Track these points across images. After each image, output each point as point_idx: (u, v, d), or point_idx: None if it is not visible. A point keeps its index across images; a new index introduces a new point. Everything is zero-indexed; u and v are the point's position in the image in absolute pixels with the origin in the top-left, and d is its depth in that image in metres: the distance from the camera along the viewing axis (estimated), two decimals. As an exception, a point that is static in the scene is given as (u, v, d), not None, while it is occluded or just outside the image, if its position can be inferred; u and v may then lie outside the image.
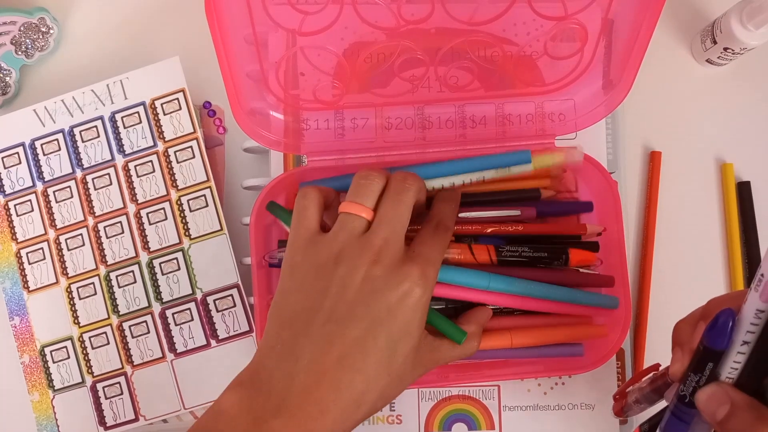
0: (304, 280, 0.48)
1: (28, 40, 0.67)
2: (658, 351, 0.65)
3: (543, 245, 0.57)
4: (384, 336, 0.45)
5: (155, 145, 0.66)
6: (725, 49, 0.64)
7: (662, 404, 0.49)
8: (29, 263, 0.65)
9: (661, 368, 0.51)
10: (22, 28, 0.67)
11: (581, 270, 0.59)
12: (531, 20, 0.54)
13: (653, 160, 0.67)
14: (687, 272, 0.66)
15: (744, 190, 0.67)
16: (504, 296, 0.56)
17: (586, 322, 0.60)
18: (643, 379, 0.52)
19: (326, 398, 0.44)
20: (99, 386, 0.64)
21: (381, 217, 0.49)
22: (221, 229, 0.65)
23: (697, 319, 0.45)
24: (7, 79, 0.67)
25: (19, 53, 0.67)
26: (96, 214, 0.65)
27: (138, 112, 0.66)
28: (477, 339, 0.54)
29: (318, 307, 0.46)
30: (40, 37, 0.67)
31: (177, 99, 0.66)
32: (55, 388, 0.65)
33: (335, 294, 0.46)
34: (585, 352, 0.60)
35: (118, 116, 0.66)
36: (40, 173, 0.66)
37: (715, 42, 0.65)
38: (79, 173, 0.66)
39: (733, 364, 0.40)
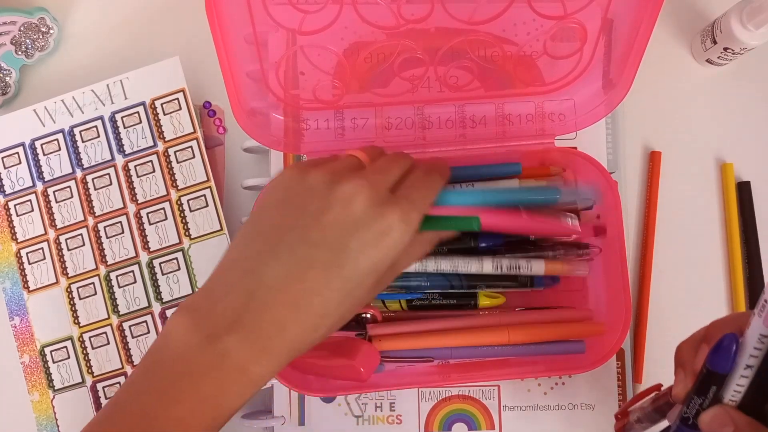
0: (285, 197, 0.46)
1: (28, 40, 0.67)
2: (658, 351, 0.65)
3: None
4: (351, 267, 0.44)
5: (155, 145, 0.66)
6: (725, 49, 0.64)
7: (664, 424, 0.49)
8: (29, 263, 0.65)
9: (663, 388, 0.52)
10: (22, 28, 0.67)
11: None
12: (531, 20, 0.54)
13: (653, 160, 0.67)
14: (687, 272, 0.66)
15: (744, 190, 0.67)
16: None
17: (585, 319, 0.60)
18: (645, 398, 0.53)
19: (285, 317, 0.43)
20: (99, 386, 0.64)
21: (377, 163, 0.48)
22: (221, 229, 0.65)
23: (698, 340, 0.45)
24: (7, 79, 0.67)
25: (19, 53, 0.67)
26: (96, 214, 0.65)
27: (138, 112, 0.66)
28: (431, 245, 0.51)
29: (292, 225, 0.44)
30: (40, 37, 0.67)
31: (177, 99, 0.66)
32: (55, 388, 0.65)
33: (312, 215, 0.44)
34: (585, 351, 0.60)
35: (118, 116, 0.66)
36: (40, 173, 0.66)
37: (715, 42, 0.65)
38: (79, 173, 0.66)
39: (736, 387, 0.41)
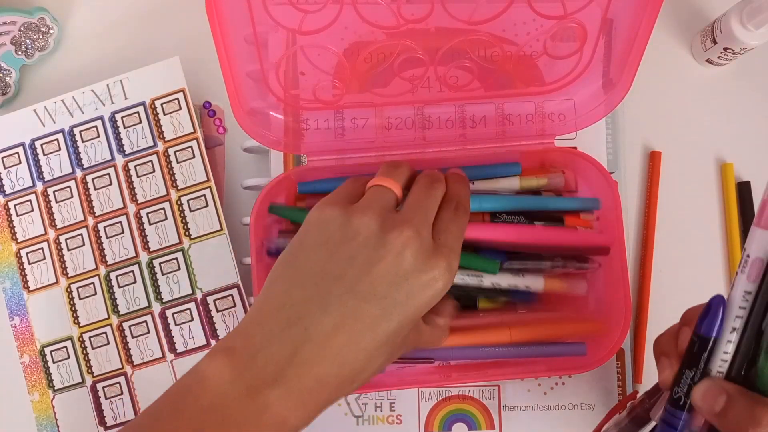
0: (329, 240, 0.45)
1: (28, 40, 0.67)
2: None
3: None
4: (397, 321, 0.43)
5: (155, 145, 0.66)
6: (725, 49, 0.64)
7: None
8: (29, 263, 0.65)
9: (638, 395, 0.52)
10: (22, 28, 0.67)
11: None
12: (531, 20, 0.54)
13: (653, 160, 0.67)
14: (687, 272, 0.66)
15: (744, 190, 0.67)
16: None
17: (587, 319, 0.60)
18: (618, 413, 0.54)
19: (328, 373, 0.42)
20: (99, 386, 0.64)
21: (414, 199, 0.48)
22: (221, 229, 0.65)
23: (677, 330, 0.46)
24: (7, 79, 0.67)
25: (19, 53, 0.67)
26: (96, 214, 0.65)
27: (138, 112, 0.66)
28: (446, 330, 0.54)
29: (340, 275, 0.43)
30: (40, 37, 0.67)
31: (177, 99, 0.66)
32: (55, 388, 0.65)
33: (361, 265, 0.43)
34: (587, 353, 0.60)
35: (118, 116, 0.66)
36: (40, 173, 0.66)
37: (715, 42, 0.65)
38: (79, 173, 0.66)
39: (723, 355, 0.41)
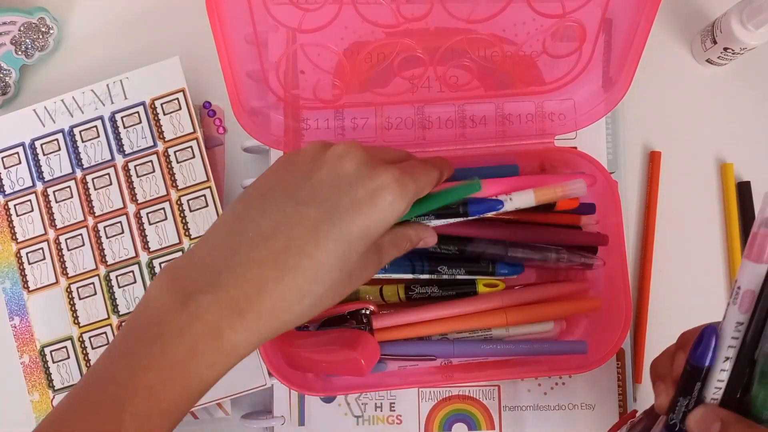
0: (279, 165, 0.45)
1: (28, 40, 0.67)
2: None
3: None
4: (342, 227, 0.41)
5: (155, 145, 0.66)
6: (725, 49, 0.64)
7: None
8: (29, 263, 0.65)
9: (638, 414, 0.53)
10: (22, 28, 0.67)
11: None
12: (530, 19, 0.54)
13: (653, 160, 0.67)
14: (687, 272, 0.66)
15: (744, 190, 0.67)
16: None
17: (580, 296, 0.60)
18: (620, 429, 0.54)
19: (267, 276, 0.40)
20: (99, 386, 0.64)
21: (378, 148, 0.47)
22: (221, 229, 0.64)
23: (672, 353, 0.46)
24: (7, 79, 0.67)
25: (19, 53, 0.67)
26: (96, 214, 0.65)
27: (138, 112, 0.66)
28: (414, 240, 0.51)
29: (283, 187, 0.43)
30: (40, 37, 0.67)
31: (177, 99, 0.66)
32: (55, 388, 0.65)
33: (301, 176, 0.43)
34: (588, 351, 0.60)
35: (118, 116, 0.66)
36: (40, 173, 0.66)
37: (715, 42, 0.65)
38: (79, 173, 0.66)
39: (717, 383, 0.42)
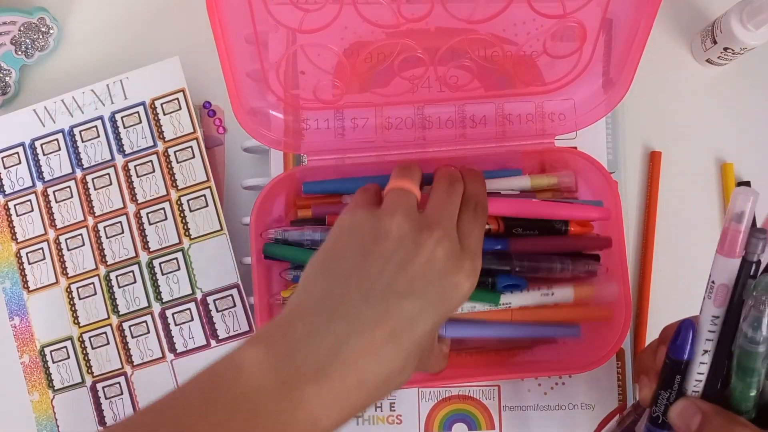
0: (362, 241, 0.45)
1: (28, 40, 0.67)
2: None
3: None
4: (431, 320, 0.43)
5: (155, 145, 0.66)
6: (725, 49, 0.64)
7: None
8: (29, 263, 0.65)
9: (627, 407, 0.54)
10: (22, 28, 0.67)
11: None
12: (531, 20, 0.54)
13: (653, 160, 0.67)
14: (687, 272, 0.66)
15: (744, 189, 0.67)
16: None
17: (590, 304, 0.60)
18: (610, 423, 0.55)
19: (369, 370, 0.41)
20: (99, 386, 0.64)
21: (438, 201, 0.48)
22: (221, 229, 0.65)
23: (655, 347, 0.47)
24: (7, 79, 0.67)
25: (19, 53, 0.67)
26: (96, 214, 0.65)
27: (138, 112, 0.66)
28: (446, 358, 0.55)
29: (378, 273, 0.43)
30: (40, 37, 0.67)
31: (177, 99, 0.66)
32: (55, 388, 0.65)
33: (398, 264, 0.43)
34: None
35: (118, 116, 0.66)
36: (40, 173, 0.66)
37: (715, 42, 0.65)
38: (78, 173, 0.66)
39: (697, 376, 0.43)
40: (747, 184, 0.67)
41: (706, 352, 0.42)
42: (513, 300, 0.57)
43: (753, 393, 0.41)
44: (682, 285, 0.66)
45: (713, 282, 0.41)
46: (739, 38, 0.62)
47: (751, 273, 0.41)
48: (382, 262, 0.44)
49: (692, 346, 0.42)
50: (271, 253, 0.59)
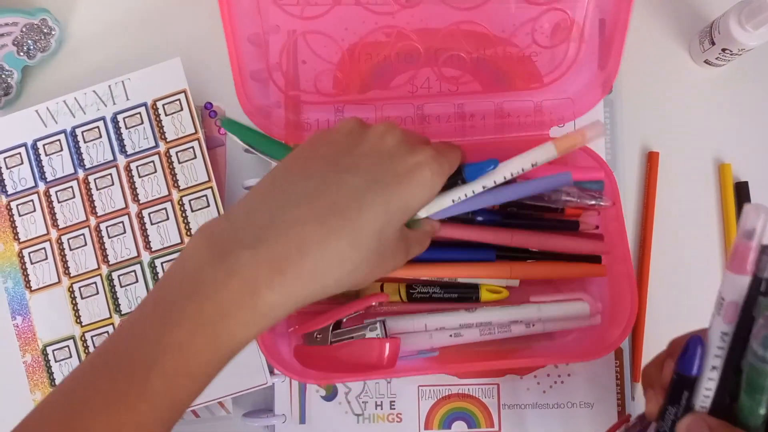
0: (315, 140, 0.45)
1: (29, 41, 0.67)
2: (656, 350, 0.64)
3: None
4: (383, 198, 0.41)
5: (157, 145, 0.66)
6: (723, 49, 0.64)
7: None
8: (31, 263, 0.66)
9: (632, 418, 0.53)
10: (23, 29, 0.67)
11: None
12: (520, 11, 0.55)
13: (651, 160, 0.67)
14: (685, 272, 0.67)
15: (742, 190, 0.67)
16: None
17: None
18: None
19: (309, 236, 0.39)
20: (101, 385, 0.64)
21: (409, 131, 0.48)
22: (222, 229, 0.65)
23: (662, 360, 0.46)
24: (9, 80, 0.68)
25: (21, 54, 0.67)
26: (98, 214, 0.66)
27: (140, 113, 0.66)
28: (430, 238, 0.52)
29: (322, 155, 0.43)
30: (42, 38, 0.67)
31: (178, 100, 0.66)
32: (58, 387, 0.65)
33: (342, 149, 0.43)
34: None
35: (119, 117, 0.66)
36: (42, 173, 0.66)
37: (713, 43, 0.65)
38: (81, 173, 0.66)
39: (705, 391, 0.42)
40: (745, 184, 0.67)
41: (714, 368, 0.42)
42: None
43: (762, 411, 0.40)
44: (680, 284, 0.66)
45: (723, 298, 0.41)
46: (738, 39, 0.62)
47: (762, 290, 0.40)
48: (328, 149, 0.44)
49: (701, 362, 0.42)
50: (228, 127, 0.56)
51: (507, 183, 0.53)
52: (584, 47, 0.58)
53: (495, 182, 0.52)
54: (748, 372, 0.40)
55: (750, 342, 0.40)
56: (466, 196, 0.52)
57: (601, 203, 0.58)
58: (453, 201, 0.51)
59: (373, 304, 0.59)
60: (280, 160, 0.46)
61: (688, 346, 0.42)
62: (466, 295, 0.60)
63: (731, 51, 0.64)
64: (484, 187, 0.52)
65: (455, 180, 0.51)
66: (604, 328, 0.60)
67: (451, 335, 0.59)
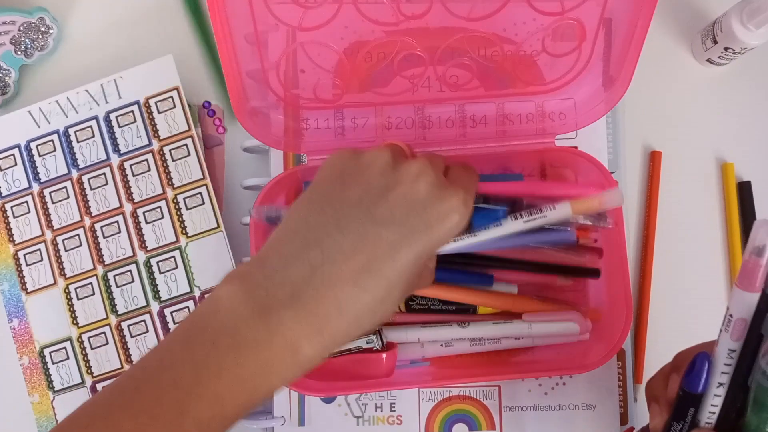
0: (344, 172, 0.45)
1: (27, 40, 0.67)
2: (659, 352, 0.64)
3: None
4: (417, 250, 0.42)
5: (150, 143, 0.66)
6: (726, 48, 0.64)
7: None
8: (27, 265, 0.65)
9: (635, 430, 0.54)
10: (21, 28, 0.66)
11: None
12: (530, 18, 0.54)
13: (653, 159, 0.67)
14: (687, 272, 0.66)
15: (745, 189, 0.67)
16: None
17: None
18: None
19: (348, 298, 0.40)
20: (99, 386, 0.64)
21: (423, 153, 0.48)
22: (218, 227, 0.64)
23: (667, 373, 0.46)
24: (7, 79, 0.67)
25: (19, 53, 0.67)
26: (92, 214, 0.65)
27: (132, 111, 0.66)
28: (432, 275, 0.52)
29: (357, 200, 0.43)
30: (40, 36, 0.67)
31: (171, 97, 0.65)
32: (55, 389, 0.64)
33: (377, 192, 0.43)
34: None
35: (112, 116, 0.66)
36: (35, 174, 0.66)
37: (715, 42, 0.64)
38: (74, 173, 0.66)
39: (711, 407, 0.42)
40: (748, 184, 0.66)
41: (721, 384, 0.42)
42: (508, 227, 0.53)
43: None
44: (683, 285, 0.66)
45: (731, 315, 0.40)
46: (740, 38, 0.62)
47: None
48: (361, 191, 0.43)
49: (707, 379, 0.42)
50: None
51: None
52: (593, 58, 0.57)
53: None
54: (756, 390, 0.40)
55: (758, 360, 0.40)
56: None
57: (606, 225, 0.56)
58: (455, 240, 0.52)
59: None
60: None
61: (695, 363, 0.42)
62: (463, 308, 0.60)
63: (734, 50, 0.64)
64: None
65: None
66: (595, 341, 0.60)
67: (442, 345, 0.60)
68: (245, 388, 0.38)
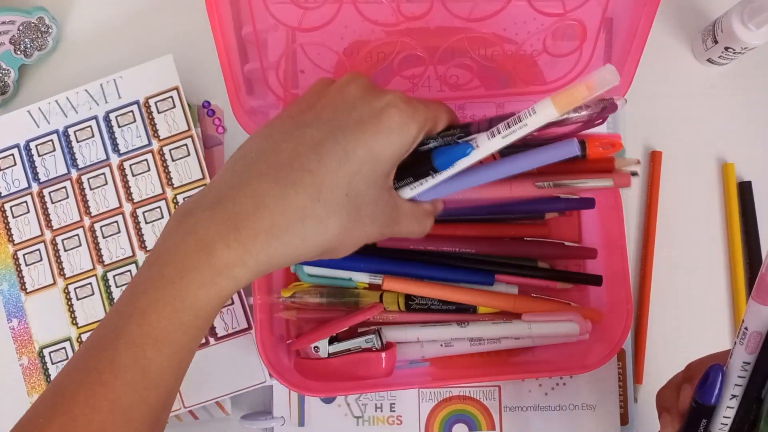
0: (286, 105, 0.46)
1: (27, 40, 0.67)
2: (659, 352, 0.64)
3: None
4: (344, 145, 0.39)
5: (150, 143, 0.65)
6: (726, 48, 0.64)
7: None
8: (26, 265, 0.65)
9: None
10: (21, 28, 0.66)
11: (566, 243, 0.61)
12: (531, 18, 0.54)
13: (654, 159, 0.67)
14: (688, 272, 0.66)
15: (745, 189, 0.67)
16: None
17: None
18: None
19: (265, 191, 0.38)
20: (97, 388, 0.64)
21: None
22: (219, 230, 0.64)
23: (678, 383, 0.46)
24: (6, 78, 0.67)
25: (18, 53, 0.67)
26: (92, 214, 0.65)
27: (132, 111, 0.66)
28: (430, 220, 0.48)
29: (287, 114, 0.42)
30: (39, 36, 0.67)
31: (171, 97, 0.65)
32: (53, 389, 0.64)
33: (306, 105, 0.42)
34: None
35: (112, 115, 0.66)
36: (35, 174, 0.66)
37: (716, 41, 0.64)
38: (74, 173, 0.66)
39: (723, 419, 0.42)
40: (748, 184, 0.66)
41: (734, 396, 0.41)
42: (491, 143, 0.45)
43: None
44: (683, 285, 0.66)
45: (746, 328, 0.40)
46: (740, 38, 0.62)
47: None
48: (293, 109, 0.43)
49: (720, 391, 0.42)
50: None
51: (511, 149, 0.45)
52: (594, 59, 0.57)
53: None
54: None
55: None
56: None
57: (607, 111, 0.46)
58: (432, 174, 0.45)
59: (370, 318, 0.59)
60: None
61: (709, 375, 0.42)
62: (463, 308, 0.60)
63: (734, 50, 0.64)
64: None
65: (426, 170, 0.45)
66: (596, 341, 0.60)
67: (441, 345, 0.60)
68: (165, 299, 0.37)
